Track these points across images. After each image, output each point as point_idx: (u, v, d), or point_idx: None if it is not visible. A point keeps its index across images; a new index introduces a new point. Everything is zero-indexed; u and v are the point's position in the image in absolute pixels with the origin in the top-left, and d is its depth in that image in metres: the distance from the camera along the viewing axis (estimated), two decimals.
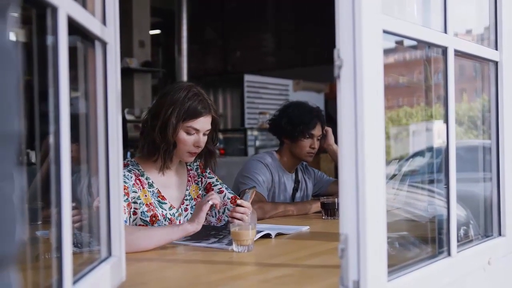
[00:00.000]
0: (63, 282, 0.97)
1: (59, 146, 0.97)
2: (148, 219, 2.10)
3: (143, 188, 2.13)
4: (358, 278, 1.13)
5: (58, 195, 0.97)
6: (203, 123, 2.14)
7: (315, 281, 1.45)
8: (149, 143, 2.14)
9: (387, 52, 1.24)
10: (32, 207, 1.73)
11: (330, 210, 2.57)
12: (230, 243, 1.85)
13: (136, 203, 2.08)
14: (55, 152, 0.96)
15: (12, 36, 0.57)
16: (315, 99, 6.75)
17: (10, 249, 0.53)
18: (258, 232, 1.97)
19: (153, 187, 2.17)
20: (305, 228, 2.27)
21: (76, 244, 1.32)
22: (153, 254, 1.82)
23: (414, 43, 1.52)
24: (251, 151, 7.13)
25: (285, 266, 1.63)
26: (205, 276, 1.53)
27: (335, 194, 2.86)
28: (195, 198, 2.30)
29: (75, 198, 1.06)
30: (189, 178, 2.31)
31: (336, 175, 4.20)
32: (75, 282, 1.05)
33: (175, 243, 1.94)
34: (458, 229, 1.56)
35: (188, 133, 2.13)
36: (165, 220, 2.14)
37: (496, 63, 1.74)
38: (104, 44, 1.30)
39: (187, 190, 2.28)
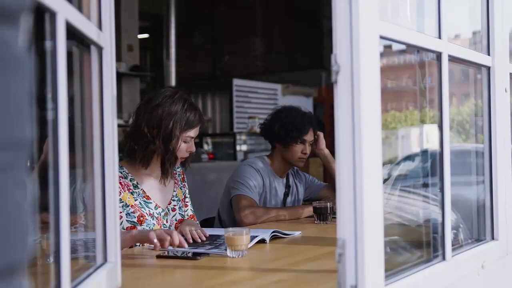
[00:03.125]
0: None
1: (57, 152, 0.96)
2: (135, 219, 2.14)
3: (125, 191, 2.17)
4: (356, 283, 1.13)
5: (56, 201, 0.96)
6: (197, 130, 2.26)
7: (311, 286, 1.45)
8: (149, 153, 2.18)
9: None
10: None
11: (323, 215, 2.57)
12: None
13: (119, 206, 2.10)
14: (53, 158, 0.96)
15: (24, 43, 0.57)
16: (304, 103, 6.74)
17: (22, 257, 0.53)
18: (253, 237, 1.97)
19: (138, 188, 2.21)
20: (297, 233, 2.27)
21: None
22: (149, 260, 1.81)
23: (402, 47, 1.53)
24: (240, 155, 7.11)
25: (280, 271, 1.63)
26: (200, 282, 1.52)
27: (326, 198, 2.87)
28: (182, 200, 2.37)
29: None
30: (176, 181, 2.38)
31: (325, 180, 4.20)
32: None
33: (171, 249, 1.92)
34: None
35: (185, 142, 2.23)
36: (152, 219, 2.19)
37: (488, 68, 1.76)
38: (100, 49, 1.29)
39: (174, 191, 2.34)
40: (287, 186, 3.05)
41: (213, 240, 2.07)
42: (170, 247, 1.94)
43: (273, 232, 2.12)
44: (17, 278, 0.52)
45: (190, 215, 2.40)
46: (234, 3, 9.59)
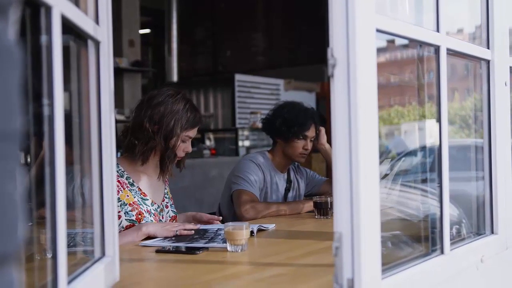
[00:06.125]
0: (58, 282, 0.96)
1: (53, 147, 0.96)
2: (134, 217, 2.15)
3: (124, 188, 2.19)
4: (353, 276, 1.13)
5: (53, 195, 0.96)
6: (196, 131, 2.30)
7: (309, 279, 1.46)
8: (149, 149, 2.20)
9: (378, 51, 1.24)
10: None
11: (323, 210, 2.57)
12: (225, 241, 1.85)
13: (118, 206, 2.11)
14: (49, 154, 0.96)
15: (13, 35, 0.57)
16: (306, 99, 6.75)
17: (12, 247, 0.53)
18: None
19: (134, 185, 2.23)
20: (271, 226, 2.28)
21: (69, 244, 1.31)
22: (147, 254, 1.81)
23: (405, 42, 1.53)
24: (242, 151, 7.11)
25: (279, 265, 1.63)
26: (199, 276, 1.53)
27: (328, 193, 2.87)
28: (171, 198, 2.41)
29: (67, 199, 1.06)
30: (166, 179, 2.41)
31: (327, 175, 4.20)
32: (69, 282, 1.05)
33: (170, 245, 1.93)
34: (450, 228, 1.56)
35: (183, 141, 2.25)
36: (150, 216, 2.20)
37: (488, 61, 1.75)
38: (97, 43, 1.29)
39: (165, 189, 2.39)
40: (289, 181, 3.05)
41: (202, 235, 2.06)
42: (169, 243, 1.94)
43: (258, 226, 2.17)
44: (6, 269, 0.52)
45: (173, 216, 2.39)
46: None
